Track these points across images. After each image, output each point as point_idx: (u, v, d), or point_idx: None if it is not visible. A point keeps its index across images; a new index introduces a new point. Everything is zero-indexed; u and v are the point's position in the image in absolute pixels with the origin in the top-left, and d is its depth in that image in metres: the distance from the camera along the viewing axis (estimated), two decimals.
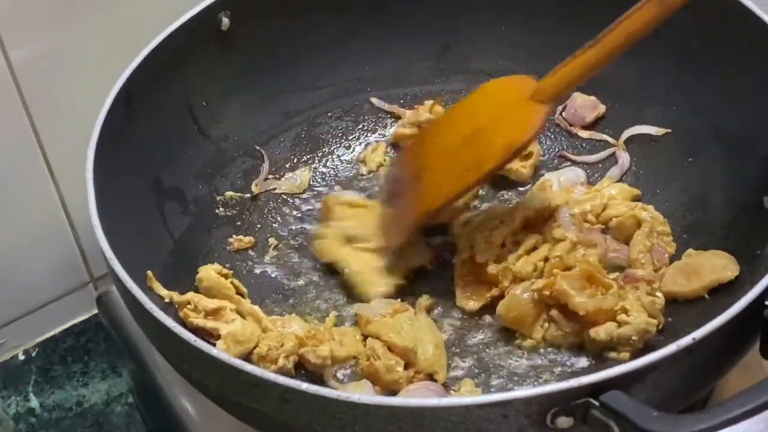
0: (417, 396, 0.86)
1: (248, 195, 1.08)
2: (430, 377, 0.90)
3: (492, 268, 0.95)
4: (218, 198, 1.06)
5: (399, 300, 0.96)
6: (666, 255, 0.96)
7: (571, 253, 0.95)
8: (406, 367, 0.89)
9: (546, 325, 0.92)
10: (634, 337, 0.87)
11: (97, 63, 1.04)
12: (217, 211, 1.05)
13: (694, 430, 0.67)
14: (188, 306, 0.90)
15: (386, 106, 1.15)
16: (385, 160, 1.12)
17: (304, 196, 1.09)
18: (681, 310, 0.91)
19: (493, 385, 0.90)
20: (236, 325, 0.90)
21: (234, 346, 0.88)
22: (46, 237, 1.14)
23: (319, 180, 1.11)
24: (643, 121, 1.08)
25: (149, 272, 0.89)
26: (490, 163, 0.94)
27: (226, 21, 1.04)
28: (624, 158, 1.07)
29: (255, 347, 0.89)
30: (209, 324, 0.89)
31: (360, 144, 1.14)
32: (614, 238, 0.99)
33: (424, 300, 0.97)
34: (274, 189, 1.09)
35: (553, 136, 1.11)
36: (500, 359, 0.92)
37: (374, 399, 0.75)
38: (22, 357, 1.19)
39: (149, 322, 0.81)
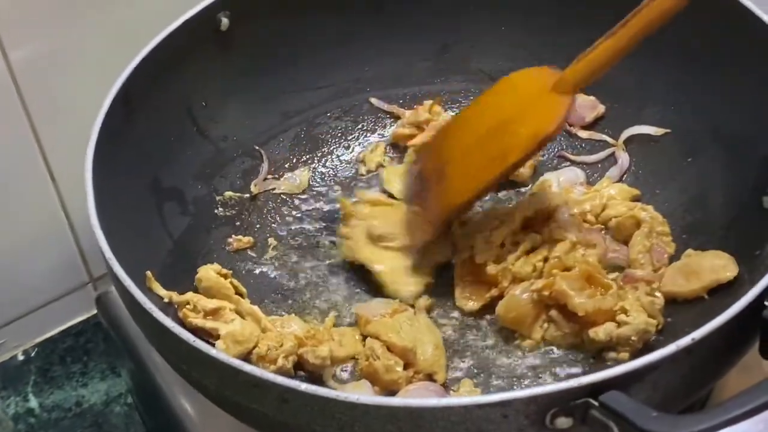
0: (416, 396, 0.86)
1: (247, 195, 1.08)
2: (430, 377, 0.90)
3: (491, 269, 0.95)
4: (217, 198, 1.06)
5: (398, 300, 0.96)
6: (665, 255, 0.96)
7: (570, 254, 0.95)
8: (406, 367, 0.89)
9: (545, 325, 0.92)
10: (633, 338, 0.87)
11: (97, 63, 1.04)
12: (216, 211, 1.05)
13: (694, 431, 0.67)
14: (187, 306, 0.90)
15: (385, 107, 1.15)
16: (384, 161, 1.12)
17: (304, 196, 1.09)
18: (680, 310, 0.91)
19: (493, 386, 0.90)
20: (235, 325, 0.90)
21: (233, 346, 0.88)
22: (45, 237, 1.13)
23: (318, 180, 1.11)
24: (643, 121, 1.08)
25: (148, 272, 0.89)
26: (516, 154, 0.93)
27: (225, 21, 1.04)
28: (623, 158, 1.07)
29: (254, 347, 0.89)
30: (208, 324, 0.89)
31: (359, 144, 1.14)
32: (614, 238, 0.99)
33: (424, 300, 0.97)
34: (274, 189, 1.09)
35: None
36: (500, 359, 0.92)
37: (373, 399, 0.75)
38: (21, 357, 1.19)
39: (148, 322, 0.81)
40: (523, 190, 1.07)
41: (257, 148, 1.10)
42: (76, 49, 1.05)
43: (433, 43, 1.15)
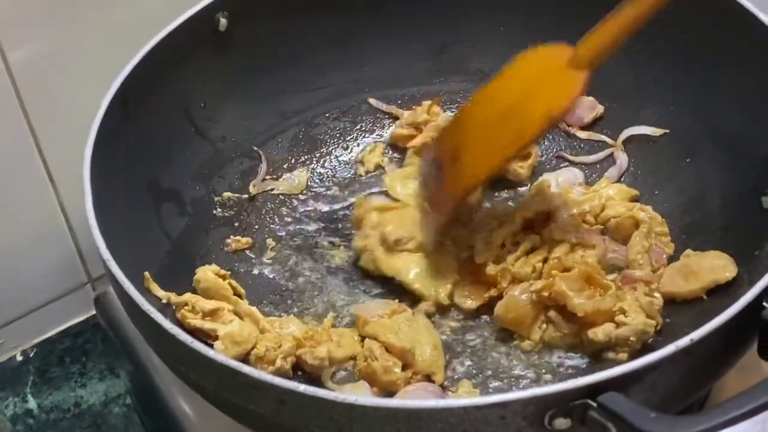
0: (415, 397, 0.86)
1: (246, 196, 1.07)
2: (428, 378, 0.90)
3: (491, 269, 0.95)
4: (216, 199, 1.06)
5: (396, 300, 0.96)
6: (664, 256, 0.96)
7: (569, 254, 0.95)
8: (404, 368, 0.89)
9: (544, 326, 0.92)
10: (632, 338, 0.87)
11: (95, 64, 1.04)
12: (214, 211, 1.05)
13: None
14: (186, 307, 0.89)
15: (384, 107, 1.15)
16: (383, 161, 1.11)
17: (302, 196, 1.09)
18: (679, 310, 0.91)
19: (491, 386, 0.90)
20: (234, 326, 0.90)
21: (232, 347, 0.88)
22: (43, 238, 1.13)
23: (317, 181, 1.11)
24: (641, 122, 1.07)
25: (146, 273, 0.89)
26: (531, 132, 0.93)
27: (223, 21, 1.04)
28: (622, 159, 1.07)
29: (253, 348, 0.89)
30: (207, 325, 0.89)
31: (358, 145, 1.14)
32: (612, 238, 0.99)
33: (426, 305, 0.96)
34: (272, 190, 1.09)
35: (551, 137, 1.11)
36: (498, 360, 0.92)
37: (372, 400, 0.75)
38: (19, 358, 1.19)
39: (146, 323, 0.81)
40: (521, 190, 1.07)
41: (256, 148, 1.10)
42: (75, 50, 1.05)
43: (432, 43, 1.15)
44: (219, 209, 1.05)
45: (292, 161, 1.11)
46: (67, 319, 1.21)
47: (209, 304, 0.90)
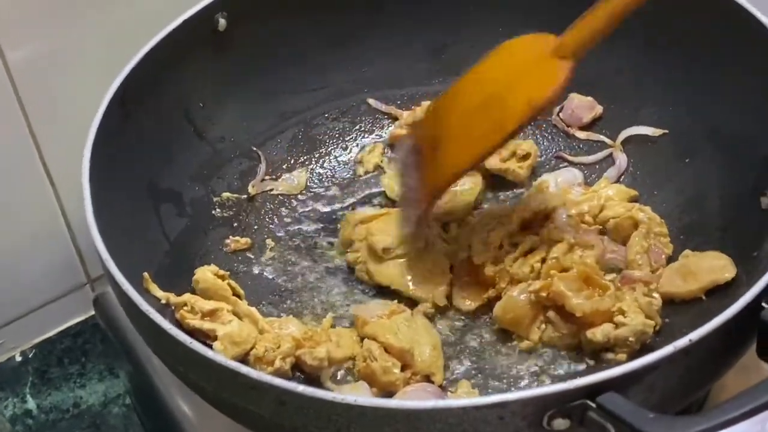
0: (414, 398, 0.86)
1: (245, 196, 1.07)
2: (427, 379, 0.90)
3: (489, 270, 0.95)
4: (215, 199, 1.06)
5: (395, 301, 0.96)
6: (663, 256, 0.96)
7: (568, 255, 0.94)
8: (403, 368, 0.89)
9: (543, 326, 0.92)
10: (631, 339, 0.87)
11: (95, 64, 1.04)
12: (213, 212, 1.05)
13: None
14: (185, 307, 0.89)
15: (383, 107, 1.15)
16: (382, 161, 1.11)
17: (301, 197, 1.09)
18: (678, 311, 0.91)
19: (491, 387, 0.90)
20: (233, 327, 0.89)
21: (231, 347, 0.88)
22: (43, 238, 1.13)
23: (316, 181, 1.11)
24: (640, 122, 1.07)
25: (145, 274, 0.89)
26: (513, 122, 0.90)
27: (222, 22, 1.04)
28: (621, 159, 1.07)
29: (252, 349, 0.89)
30: (206, 325, 0.89)
31: (357, 145, 1.14)
32: (611, 239, 0.99)
33: (424, 306, 0.96)
34: (271, 190, 1.09)
35: (550, 137, 1.11)
36: (497, 361, 0.92)
37: (371, 401, 0.75)
38: (19, 358, 1.19)
39: (145, 323, 0.81)
40: (520, 191, 1.07)
41: (255, 149, 1.10)
42: (74, 50, 1.05)
43: (432, 43, 1.15)
44: (218, 210, 1.05)
45: (292, 162, 1.11)
46: (66, 320, 1.21)
47: (208, 305, 0.90)
